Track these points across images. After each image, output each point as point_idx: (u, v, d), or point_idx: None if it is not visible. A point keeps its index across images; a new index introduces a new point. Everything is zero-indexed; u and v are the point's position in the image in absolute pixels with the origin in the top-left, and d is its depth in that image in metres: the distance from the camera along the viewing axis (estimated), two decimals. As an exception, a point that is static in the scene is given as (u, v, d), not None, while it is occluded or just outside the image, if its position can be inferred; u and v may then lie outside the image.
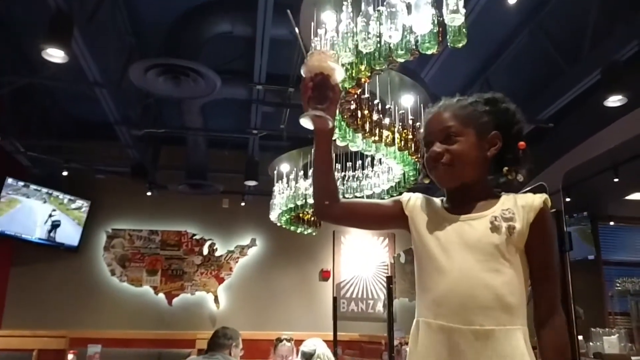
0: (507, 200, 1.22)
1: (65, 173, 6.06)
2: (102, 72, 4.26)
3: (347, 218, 1.37)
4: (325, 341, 3.54)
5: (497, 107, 1.28)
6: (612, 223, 7.26)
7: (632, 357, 3.36)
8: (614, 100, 3.65)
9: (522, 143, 1.25)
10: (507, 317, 1.13)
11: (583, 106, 4.40)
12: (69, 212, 6.22)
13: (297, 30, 1.44)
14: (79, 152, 6.07)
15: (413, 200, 1.32)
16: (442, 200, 1.31)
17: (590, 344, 3.78)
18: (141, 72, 3.85)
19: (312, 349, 3.41)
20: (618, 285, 6.03)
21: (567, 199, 5.59)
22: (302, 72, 1.24)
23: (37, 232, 5.97)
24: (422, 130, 1.34)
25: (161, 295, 6.48)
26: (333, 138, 1.64)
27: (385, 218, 1.36)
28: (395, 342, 3.38)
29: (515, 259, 1.17)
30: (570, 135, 4.58)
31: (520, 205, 1.20)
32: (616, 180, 5.45)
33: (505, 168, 1.26)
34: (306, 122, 1.24)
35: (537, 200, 1.20)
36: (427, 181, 1.33)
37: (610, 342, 3.64)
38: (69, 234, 6.22)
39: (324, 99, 1.21)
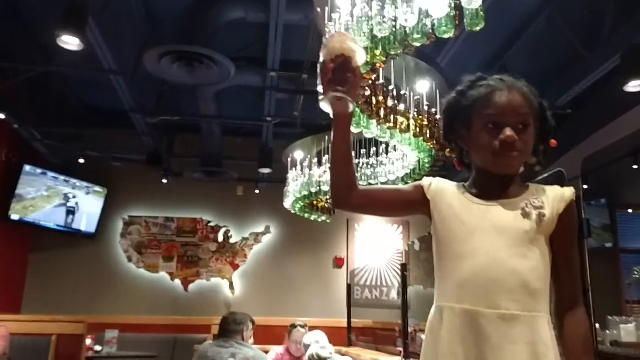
0: (536, 190, 1.22)
1: (81, 160, 6.12)
2: (117, 59, 4.28)
3: (366, 205, 1.32)
4: (339, 328, 3.54)
5: (536, 101, 1.23)
6: (630, 210, 7.15)
7: (650, 346, 3.33)
8: (634, 86, 3.57)
9: (553, 141, 1.24)
10: (532, 303, 1.13)
11: (602, 91, 4.32)
12: (86, 199, 6.29)
13: (318, 10, 1.40)
14: (95, 140, 6.13)
15: (435, 184, 1.28)
16: (464, 186, 1.28)
17: (607, 332, 3.73)
18: (155, 59, 3.85)
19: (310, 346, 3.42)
20: (635, 273, 5.95)
21: (585, 186, 5.51)
22: (322, 54, 1.19)
23: (55, 219, 6.05)
24: (487, 106, 1.19)
25: (177, 281, 6.55)
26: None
27: (405, 204, 1.32)
28: (410, 329, 3.38)
29: (542, 247, 1.17)
30: (589, 121, 4.50)
31: (550, 195, 1.20)
32: (635, 167, 5.36)
33: (534, 159, 1.24)
34: (325, 105, 1.20)
35: (567, 192, 1.20)
36: (466, 160, 1.28)
37: (627, 330, 3.59)
38: (87, 220, 6.30)
39: (345, 82, 1.16)
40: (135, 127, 5.56)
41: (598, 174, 5.58)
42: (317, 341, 3.39)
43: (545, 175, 1.32)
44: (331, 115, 1.24)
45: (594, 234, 6.58)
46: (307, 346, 3.41)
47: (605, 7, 3.80)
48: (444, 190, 1.27)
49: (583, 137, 4.55)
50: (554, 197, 1.19)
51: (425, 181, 1.29)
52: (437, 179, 1.30)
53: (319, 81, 1.97)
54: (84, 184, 6.27)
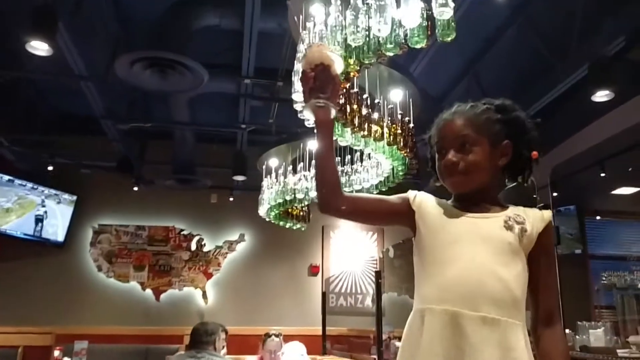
0: (515, 208, 1.28)
1: (50, 168, 5.98)
2: (87, 65, 4.21)
3: (351, 212, 1.34)
4: (314, 336, 3.53)
5: (508, 116, 1.31)
6: (598, 217, 7.32)
7: (618, 350, 3.40)
8: (601, 96, 3.66)
9: (535, 153, 1.29)
10: (513, 311, 1.16)
11: (571, 101, 4.42)
12: (55, 207, 6.15)
13: (294, 18, 1.44)
14: (64, 147, 6.00)
15: (420, 197, 1.33)
16: (446, 201, 1.33)
17: (577, 337, 3.81)
18: (127, 65, 3.80)
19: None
20: (604, 279, 6.08)
21: (555, 194, 5.62)
22: (302, 64, 1.25)
23: (23, 228, 5.90)
24: (433, 134, 1.34)
25: (148, 291, 6.44)
26: None
27: (390, 213, 1.36)
28: (384, 336, 3.38)
29: (522, 260, 1.21)
30: (558, 130, 4.60)
31: (530, 215, 1.26)
32: (603, 175, 5.50)
33: (520, 177, 1.32)
34: (308, 113, 1.25)
35: (546, 214, 1.27)
36: (438, 184, 1.35)
37: (597, 335, 3.67)
38: (55, 229, 6.16)
39: (326, 89, 1.21)
40: (106, 134, 5.47)
41: (567, 182, 5.70)
42: (296, 351, 3.36)
43: (515, 183, 1.35)
44: (313, 123, 1.28)
45: (565, 241, 6.72)
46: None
47: (574, 19, 3.90)
48: (428, 203, 1.31)
49: (552, 146, 4.65)
50: (534, 216, 1.25)
51: (411, 194, 1.34)
52: (422, 192, 1.35)
53: (294, 89, 1.97)
54: (53, 191, 6.12)
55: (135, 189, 6.22)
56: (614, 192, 6.81)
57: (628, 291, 5.86)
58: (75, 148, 6.04)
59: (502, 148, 1.28)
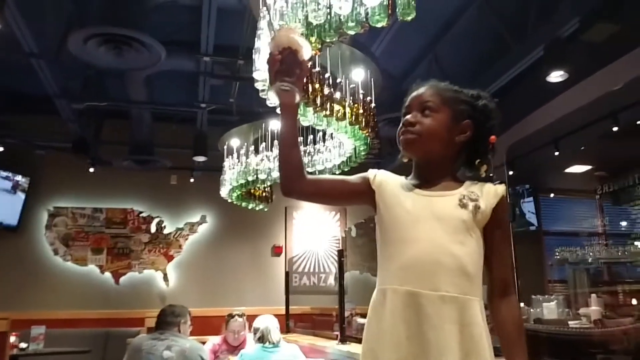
0: (471, 185, 1.31)
1: (1, 149, 5.75)
2: (38, 41, 4.03)
3: (314, 194, 1.37)
4: (277, 315, 3.54)
5: (477, 102, 1.34)
6: (552, 195, 7.58)
7: (569, 322, 3.55)
8: (556, 76, 3.76)
9: (493, 137, 1.32)
10: (469, 287, 1.21)
11: (527, 82, 4.52)
12: (7, 189, 5.93)
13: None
14: (16, 127, 5.78)
15: (380, 176, 1.34)
16: (406, 178, 1.35)
17: (531, 310, 3.95)
18: (81, 41, 3.67)
19: (258, 326, 3.41)
20: (557, 254, 6.33)
21: (510, 172, 5.78)
22: (269, 47, 1.25)
23: (-28, 211, 5.68)
24: (403, 104, 1.38)
25: (107, 274, 6.33)
26: None
27: (352, 194, 1.37)
28: (346, 314, 3.43)
29: (477, 236, 1.25)
30: (514, 111, 4.71)
31: (484, 191, 1.29)
32: (557, 153, 5.67)
33: (478, 160, 1.34)
34: (273, 96, 1.25)
35: (499, 189, 1.30)
36: (405, 160, 1.37)
37: (549, 308, 3.81)
38: (8, 212, 5.95)
39: (292, 74, 1.22)
40: (60, 114, 5.28)
41: (522, 161, 5.87)
42: (269, 324, 3.36)
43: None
44: (277, 106, 1.30)
45: (520, 218, 6.93)
46: (257, 329, 3.38)
47: (531, 0, 3.97)
48: (388, 182, 1.33)
49: (508, 126, 4.75)
50: (488, 192, 1.28)
51: (371, 173, 1.35)
52: (382, 171, 1.37)
53: (254, 67, 1.94)
54: (4, 173, 5.89)
55: (92, 170, 6.06)
56: (567, 170, 7.04)
57: (579, 266, 6.12)
58: (28, 128, 5.82)
59: (462, 125, 1.31)
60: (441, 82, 1.37)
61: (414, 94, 1.35)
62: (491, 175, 1.35)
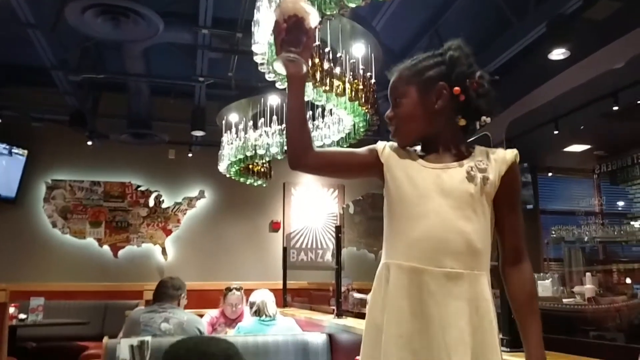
0: (480, 153, 1.27)
1: (-2, 121, 5.72)
2: (35, 12, 3.98)
3: (322, 168, 1.35)
4: (275, 290, 3.57)
5: (444, 57, 1.28)
6: (550, 174, 7.58)
7: (564, 300, 3.58)
8: (558, 54, 3.73)
9: (456, 89, 1.24)
10: (475, 262, 1.19)
11: (529, 59, 4.48)
12: (5, 161, 5.92)
13: None
14: (13, 99, 5.72)
15: (388, 149, 1.31)
16: (415, 151, 1.32)
17: (526, 287, 3.98)
18: (78, 12, 3.61)
19: (254, 300, 3.45)
20: (553, 233, 6.36)
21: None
22: (275, 14, 1.20)
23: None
24: None
25: (106, 247, 6.36)
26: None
27: (360, 166, 1.35)
28: (343, 289, 3.46)
29: (485, 209, 1.23)
30: (516, 88, 4.67)
31: (492, 158, 1.25)
32: (556, 132, 5.65)
33: (459, 116, 1.27)
34: (279, 66, 1.21)
35: (509, 154, 1.26)
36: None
37: (544, 286, 3.84)
38: (6, 184, 5.94)
39: (298, 43, 1.18)
40: (57, 86, 5.24)
41: (522, 139, 5.84)
42: (265, 298, 3.40)
43: (471, 139, 1.36)
44: (279, 78, 1.25)
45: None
46: (253, 303, 3.42)
47: (534, -24, 3.91)
48: (396, 154, 1.30)
49: (509, 103, 4.72)
50: (497, 159, 1.25)
51: (380, 145, 1.32)
52: (391, 143, 1.33)
53: (254, 40, 1.91)
54: (2, 145, 5.87)
55: (89, 143, 6.04)
56: (565, 149, 7.03)
57: (575, 244, 6.16)
58: (25, 100, 5.78)
59: (434, 91, 1.26)
60: (408, 60, 1.33)
61: (390, 85, 1.34)
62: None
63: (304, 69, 1.22)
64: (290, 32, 1.17)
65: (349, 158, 1.36)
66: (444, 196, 1.21)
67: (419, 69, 1.28)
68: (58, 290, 5.71)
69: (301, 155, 1.26)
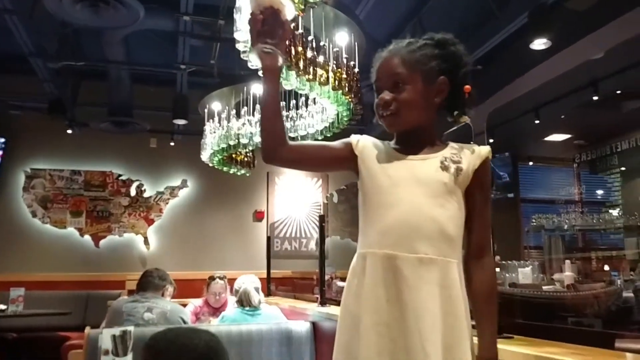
0: (454, 147, 1.30)
1: (-26, 109, 5.61)
2: (11, -3, 3.89)
3: (296, 161, 1.35)
4: (259, 279, 3.57)
5: (445, 50, 1.30)
6: (530, 163, 7.68)
7: (543, 286, 3.64)
8: (539, 44, 3.75)
9: (467, 87, 1.28)
10: (448, 249, 1.21)
11: (511, 49, 4.51)
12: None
13: None
14: (-11, 87, 5.62)
15: (362, 141, 1.32)
16: (388, 143, 1.34)
17: (507, 275, 4.04)
18: (56, -2, 3.54)
19: (237, 287, 3.44)
20: (534, 221, 6.45)
21: (491, 140, 5.82)
22: (251, 6, 1.20)
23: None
24: (372, 73, 1.34)
25: (87, 237, 6.29)
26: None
27: (334, 159, 1.36)
28: (327, 277, 3.47)
29: (458, 199, 1.25)
30: (497, 77, 4.71)
31: (467, 152, 1.28)
32: (537, 122, 5.72)
33: (456, 112, 1.31)
34: (254, 58, 1.21)
35: (483, 150, 1.29)
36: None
37: (524, 273, 3.90)
38: (-17, 174, 5.84)
39: (274, 35, 1.18)
40: (36, 73, 5.14)
41: (503, 128, 5.91)
42: (248, 287, 3.39)
43: (453, 129, 1.38)
44: (259, 68, 1.24)
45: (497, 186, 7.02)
46: (237, 291, 3.41)
47: (517, -34, 3.92)
48: (370, 147, 1.31)
49: (491, 93, 4.76)
50: (471, 153, 1.28)
51: (354, 138, 1.33)
52: (364, 136, 1.34)
53: (236, 27, 1.89)
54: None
55: (69, 131, 5.95)
56: (546, 138, 7.12)
57: (555, 232, 6.26)
58: (3, 88, 5.66)
59: (437, 85, 1.28)
60: (402, 40, 1.32)
61: (381, 65, 1.31)
62: (471, 142, 1.33)
63: (280, 60, 1.22)
64: (266, 24, 1.18)
65: (323, 151, 1.36)
66: (418, 185, 1.23)
67: (420, 58, 1.27)
68: (39, 280, 5.65)
69: (275, 149, 1.26)
